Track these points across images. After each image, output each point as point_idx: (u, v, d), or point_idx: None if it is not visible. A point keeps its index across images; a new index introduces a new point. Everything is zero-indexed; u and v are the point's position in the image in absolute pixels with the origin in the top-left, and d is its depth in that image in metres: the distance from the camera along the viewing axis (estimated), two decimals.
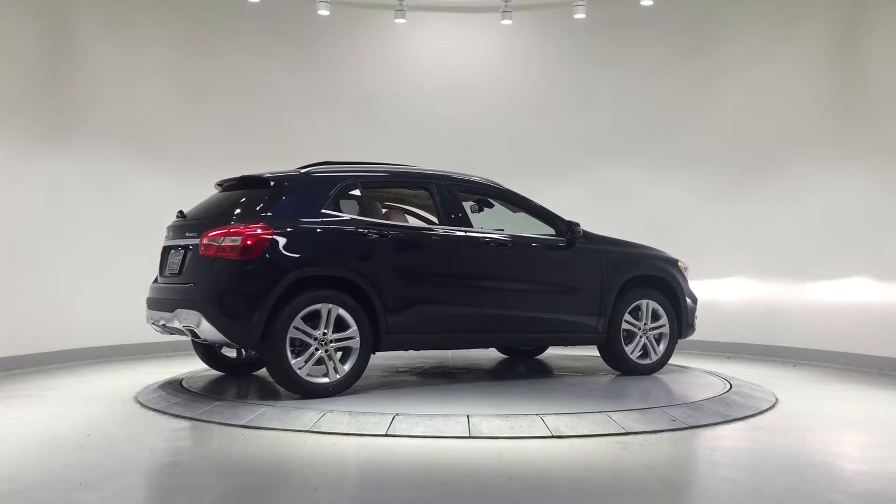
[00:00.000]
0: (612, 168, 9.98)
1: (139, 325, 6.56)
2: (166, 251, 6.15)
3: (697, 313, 7.31)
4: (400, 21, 9.84)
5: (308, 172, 6.01)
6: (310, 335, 5.50)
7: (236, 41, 9.64)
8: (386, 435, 4.72)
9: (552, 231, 6.67)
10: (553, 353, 8.33)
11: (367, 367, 5.96)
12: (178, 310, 5.64)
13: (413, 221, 7.00)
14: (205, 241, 5.55)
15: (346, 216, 5.83)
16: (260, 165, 6.57)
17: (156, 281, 6.25)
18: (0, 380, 6.94)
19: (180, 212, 6.21)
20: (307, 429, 4.82)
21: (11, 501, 3.54)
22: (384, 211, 6.76)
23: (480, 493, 3.73)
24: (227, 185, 6.24)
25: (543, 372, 7.29)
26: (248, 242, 5.41)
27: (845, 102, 8.50)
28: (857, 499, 3.69)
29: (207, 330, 5.48)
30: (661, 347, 7.00)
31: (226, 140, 9.33)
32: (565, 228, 6.60)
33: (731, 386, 6.40)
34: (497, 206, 6.75)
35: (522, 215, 6.76)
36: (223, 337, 5.52)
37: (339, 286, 5.63)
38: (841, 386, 7.12)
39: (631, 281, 6.83)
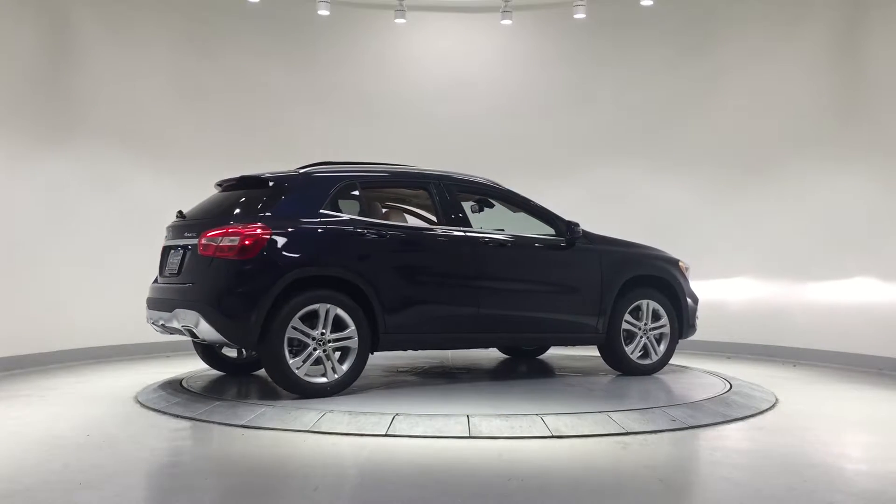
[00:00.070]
0: (612, 168, 9.98)
1: (139, 325, 6.56)
2: (166, 251, 6.16)
3: (698, 313, 7.30)
4: (400, 21, 9.84)
5: (307, 173, 6.01)
6: (308, 335, 5.50)
7: (236, 41, 9.64)
8: (386, 435, 4.72)
9: (552, 231, 6.67)
10: (554, 353, 8.33)
11: (367, 367, 5.96)
12: (177, 310, 5.65)
13: (413, 221, 7.00)
14: (203, 241, 5.56)
15: (345, 216, 5.84)
16: (260, 165, 6.57)
17: (156, 281, 6.26)
18: (0, 380, 6.94)
19: (180, 212, 6.22)
20: (307, 429, 4.82)
21: (11, 501, 3.54)
22: (384, 211, 6.76)
23: (480, 493, 3.73)
24: (226, 186, 6.24)
25: (544, 372, 7.29)
26: (246, 242, 5.41)
27: (846, 102, 8.50)
28: (857, 499, 3.69)
29: (206, 330, 5.49)
30: (662, 348, 6.99)
31: (226, 140, 9.33)
32: (565, 228, 6.60)
33: (731, 386, 6.40)
34: (497, 206, 6.75)
35: (522, 215, 6.76)
36: (221, 337, 5.52)
37: (338, 286, 5.63)
38: (841, 386, 7.12)
39: (631, 281, 6.83)
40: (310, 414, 5.03)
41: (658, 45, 9.83)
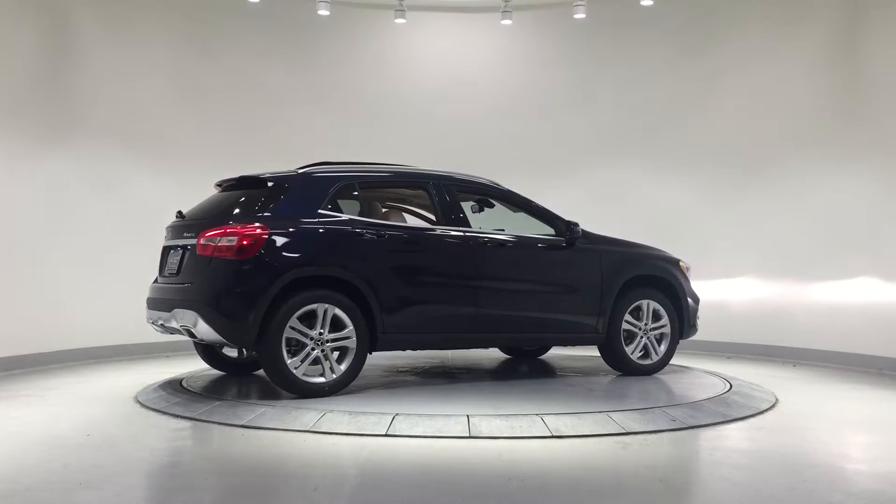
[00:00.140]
0: (612, 168, 9.98)
1: (139, 325, 6.56)
2: (166, 251, 6.17)
3: (699, 313, 7.30)
4: (400, 21, 9.84)
5: (305, 173, 6.02)
6: (306, 335, 5.50)
7: (236, 41, 9.64)
8: (386, 435, 4.72)
9: (552, 231, 6.67)
10: (555, 353, 8.33)
11: (367, 367, 5.96)
12: (176, 310, 5.66)
13: (413, 221, 7.01)
14: (202, 241, 5.57)
15: (343, 216, 5.84)
16: (260, 165, 6.57)
17: (156, 281, 6.26)
18: (0, 380, 6.94)
19: (179, 212, 6.22)
20: (307, 429, 4.82)
21: (11, 501, 3.54)
22: (384, 211, 6.76)
23: (480, 493, 3.73)
24: (225, 186, 6.25)
25: (544, 372, 7.29)
26: (244, 242, 5.42)
27: (846, 102, 8.49)
28: (857, 499, 3.69)
29: (204, 330, 5.50)
30: (662, 348, 6.99)
31: (226, 140, 9.34)
32: (565, 228, 6.59)
33: (731, 386, 6.40)
34: (497, 206, 6.75)
35: (522, 215, 6.75)
36: (219, 337, 5.53)
37: (336, 286, 5.63)
38: (841, 386, 7.12)
39: (632, 281, 6.82)
40: (310, 414, 5.03)
41: (658, 45, 9.83)
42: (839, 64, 8.61)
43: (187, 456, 4.58)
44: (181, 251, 5.87)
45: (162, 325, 5.96)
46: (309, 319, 5.52)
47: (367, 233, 5.81)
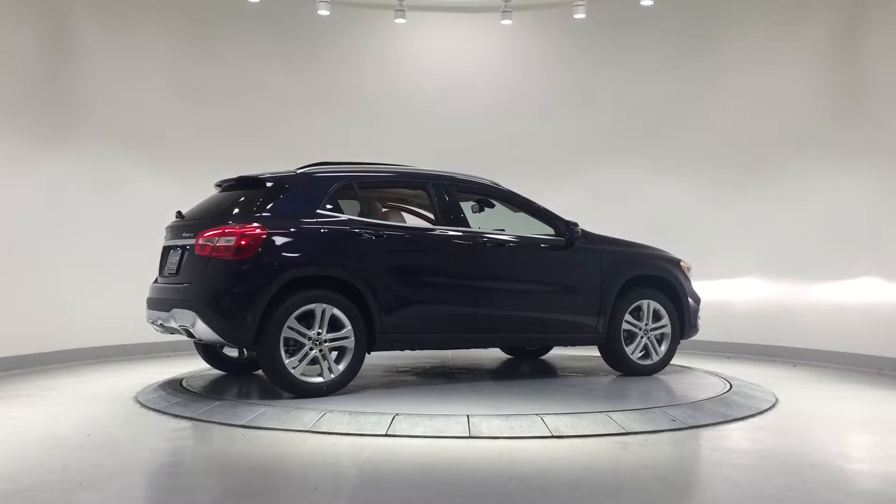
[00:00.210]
0: (612, 168, 9.97)
1: (139, 325, 6.56)
2: (166, 251, 6.18)
3: (700, 314, 7.29)
4: (400, 21, 9.84)
5: (304, 173, 6.02)
6: (304, 335, 5.51)
7: (236, 41, 9.64)
8: (386, 435, 4.72)
9: (552, 231, 6.67)
10: (556, 353, 8.32)
11: (367, 367, 5.96)
12: (174, 309, 5.67)
13: (413, 221, 7.00)
14: (200, 241, 5.58)
15: (342, 216, 5.85)
16: (260, 165, 6.57)
17: (156, 281, 6.27)
18: (0, 380, 6.94)
19: (179, 212, 6.23)
20: (307, 429, 4.82)
21: (11, 501, 3.54)
22: (384, 211, 6.76)
23: (480, 493, 3.73)
24: (225, 186, 6.25)
25: (544, 372, 7.29)
26: (243, 242, 5.42)
27: (846, 102, 8.49)
28: (857, 499, 3.70)
29: (202, 329, 5.50)
30: (663, 348, 6.98)
31: (226, 140, 9.34)
32: (564, 228, 6.59)
33: (731, 386, 6.40)
34: (497, 206, 6.75)
35: (522, 215, 6.75)
36: (217, 337, 5.54)
37: (334, 286, 5.63)
38: (841, 386, 7.12)
39: (632, 281, 6.82)
40: (310, 414, 5.03)
41: (658, 45, 9.83)
42: (839, 64, 8.61)
43: (187, 456, 4.58)
44: (180, 251, 5.87)
45: (161, 324, 5.96)
46: (307, 319, 5.53)
47: (365, 233, 5.82)
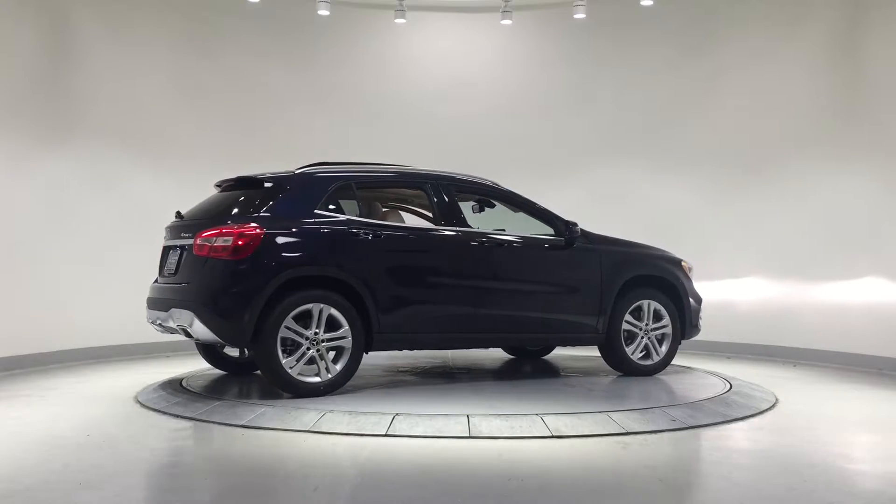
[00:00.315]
0: (612, 168, 9.97)
1: (139, 325, 6.56)
2: (165, 251, 6.19)
3: (702, 314, 7.28)
4: (400, 21, 9.84)
5: (302, 173, 6.03)
6: (301, 335, 5.51)
7: (236, 41, 9.64)
8: (386, 435, 4.72)
9: (551, 231, 6.66)
10: (558, 353, 8.31)
11: (367, 367, 5.96)
12: (173, 309, 5.68)
13: (412, 222, 7.00)
14: (198, 241, 5.59)
15: (340, 216, 5.85)
16: (260, 165, 6.57)
17: (156, 281, 6.27)
18: (0, 380, 6.94)
19: (178, 212, 6.24)
20: (307, 429, 4.82)
21: (11, 501, 3.53)
22: (384, 211, 6.77)
23: (480, 493, 3.73)
24: (224, 186, 6.26)
25: (544, 372, 7.29)
26: (240, 242, 5.43)
27: (847, 102, 8.49)
28: (857, 499, 3.70)
29: (200, 329, 5.52)
30: (664, 348, 6.96)
31: (226, 140, 9.34)
32: (564, 228, 6.59)
33: (731, 386, 6.40)
34: (497, 206, 6.75)
35: (522, 215, 6.75)
36: (215, 336, 5.55)
37: (332, 286, 5.64)
38: (841, 386, 7.11)
39: (632, 281, 6.81)
40: (310, 414, 5.03)
41: (658, 45, 9.83)
42: (839, 63, 8.61)
43: (187, 456, 4.58)
44: (179, 251, 5.88)
45: (161, 324, 5.98)
46: (305, 319, 5.53)
47: (363, 233, 5.82)
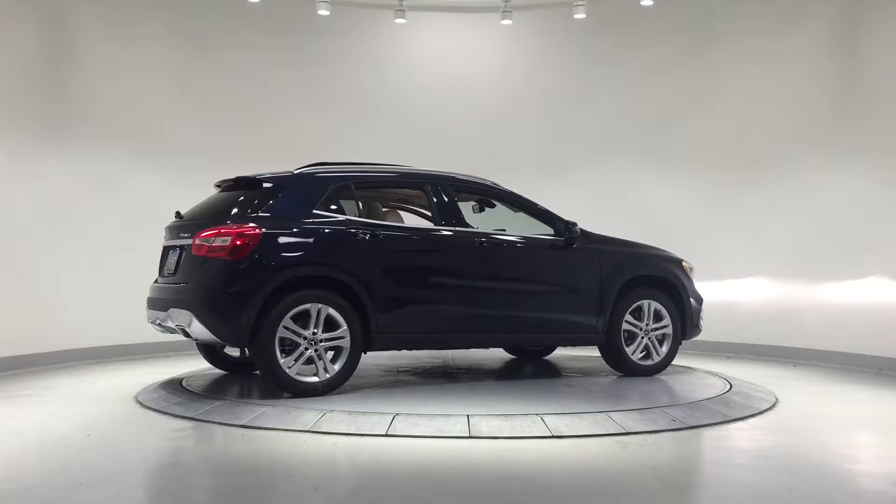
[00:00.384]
0: (612, 168, 9.97)
1: (139, 325, 6.56)
2: (165, 251, 6.19)
3: (703, 314, 7.28)
4: (400, 21, 9.84)
5: (301, 173, 6.04)
6: (299, 335, 5.52)
7: (236, 41, 9.64)
8: (386, 435, 4.72)
9: (551, 231, 6.66)
10: (559, 353, 8.30)
11: (367, 367, 5.96)
12: (171, 309, 5.70)
13: (411, 222, 7.00)
14: (197, 241, 5.60)
15: (338, 216, 5.85)
16: (260, 165, 6.57)
17: (156, 281, 6.28)
18: (0, 380, 6.94)
19: (178, 213, 6.24)
20: (307, 429, 4.82)
21: (11, 501, 3.54)
22: (384, 210, 6.77)
23: (480, 493, 3.73)
24: (224, 186, 6.27)
25: (544, 372, 7.29)
26: (238, 243, 5.44)
27: (847, 101, 8.49)
28: (857, 499, 3.69)
29: (198, 329, 5.53)
30: (664, 348, 6.95)
31: (226, 140, 9.34)
32: (563, 228, 6.59)
33: (731, 386, 6.40)
34: (497, 206, 6.75)
35: (522, 215, 6.74)
36: (213, 336, 5.56)
37: (330, 286, 5.64)
38: (841, 386, 7.11)
39: (633, 281, 6.80)
40: (310, 414, 5.03)
41: (658, 44, 9.83)
42: (840, 62, 8.60)
43: (187, 456, 4.58)
44: (179, 251, 5.90)
45: (160, 324, 5.99)
46: (303, 319, 5.54)
47: (361, 233, 5.82)
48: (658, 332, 6.94)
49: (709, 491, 4.02)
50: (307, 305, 5.53)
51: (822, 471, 4.21)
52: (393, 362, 7.48)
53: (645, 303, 6.86)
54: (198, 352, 6.87)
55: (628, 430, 4.89)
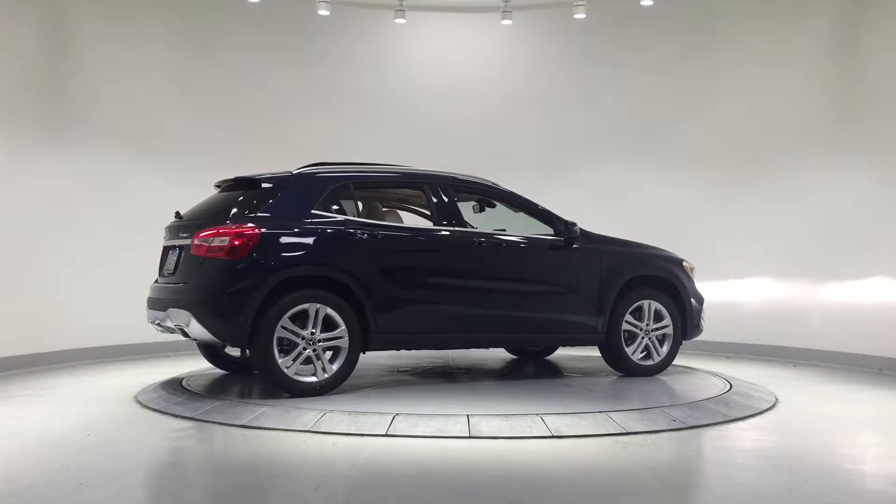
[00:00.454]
0: (612, 168, 9.97)
1: (139, 325, 6.56)
2: (165, 251, 6.20)
3: (704, 314, 7.27)
4: (400, 21, 9.84)
5: (300, 173, 6.04)
6: (297, 335, 5.52)
7: (236, 41, 9.64)
8: (386, 435, 4.72)
9: (551, 231, 6.66)
10: (560, 353, 8.30)
11: (368, 367, 5.95)
12: (170, 309, 5.71)
13: (412, 222, 7.00)
14: (196, 241, 5.61)
15: (337, 217, 5.86)
16: (260, 165, 6.57)
17: (156, 281, 6.28)
18: (0, 380, 6.94)
19: (177, 213, 6.25)
20: (307, 429, 4.82)
21: (11, 501, 3.54)
22: (384, 211, 6.76)
23: (480, 493, 3.73)
24: (223, 187, 6.27)
25: (544, 372, 7.29)
26: (236, 243, 5.44)
27: (847, 100, 8.49)
28: (857, 499, 3.69)
29: (196, 329, 5.54)
30: (665, 349, 6.94)
31: (226, 140, 9.34)
32: (563, 228, 6.58)
33: (731, 386, 6.40)
34: (497, 206, 6.74)
35: (522, 215, 6.74)
36: (211, 336, 5.57)
37: (329, 286, 5.64)
38: (841, 386, 7.11)
39: (633, 281, 6.80)
40: (310, 414, 5.03)
41: (658, 44, 9.83)
42: (840, 62, 8.60)
43: (187, 456, 4.58)
44: (178, 251, 5.91)
45: (159, 324, 6.00)
46: (301, 319, 5.55)
47: (359, 233, 5.82)
48: (658, 333, 6.93)
49: (709, 491, 4.02)
50: (305, 305, 5.53)
51: (822, 471, 4.21)
52: (393, 362, 7.48)
53: (645, 303, 6.86)
54: (198, 352, 6.87)
55: (628, 430, 4.89)
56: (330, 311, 5.59)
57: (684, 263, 7.20)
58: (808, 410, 5.94)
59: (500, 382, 6.74)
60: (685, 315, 7.02)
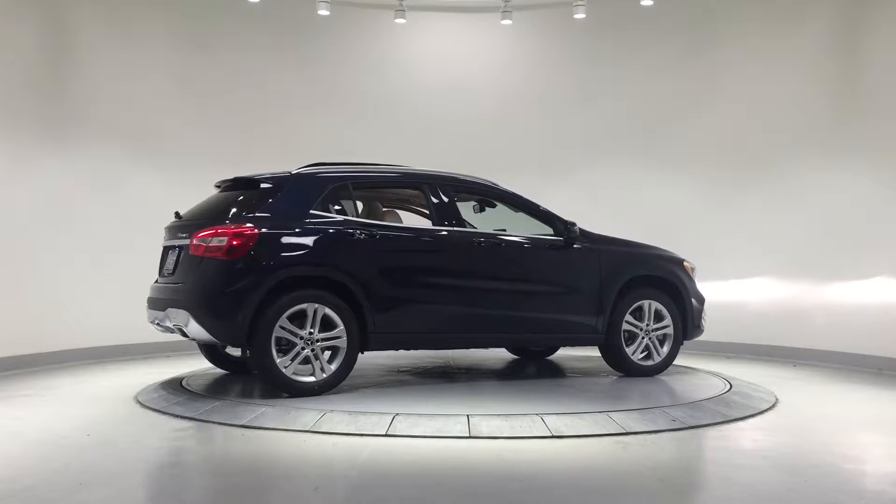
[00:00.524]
0: (612, 168, 9.97)
1: (139, 325, 6.57)
2: (165, 252, 6.21)
3: (705, 314, 7.26)
4: (400, 21, 9.84)
5: (298, 173, 6.05)
6: (296, 334, 5.52)
7: (236, 41, 9.64)
8: (386, 435, 4.72)
9: (551, 231, 6.65)
10: (562, 354, 8.29)
11: (368, 367, 5.95)
12: (169, 309, 5.72)
13: (411, 222, 7.00)
14: (194, 241, 5.61)
15: (336, 217, 5.86)
16: (260, 165, 6.58)
17: (156, 281, 6.29)
18: (0, 380, 6.94)
19: (177, 213, 6.26)
20: (307, 429, 4.82)
21: (11, 501, 3.54)
22: (383, 211, 6.76)
23: (480, 493, 3.73)
24: (223, 187, 6.27)
25: (544, 372, 7.29)
26: (234, 243, 5.45)
27: (847, 100, 8.49)
28: (857, 499, 3.69)
29: (195, 329, 5.55)
30: (665, 349, 6.94)
31: (226, 140, 9.34)
32: (563, 228, 6.58)
33: (731, 386, 6.40)
34: (497, 206, 6.74)
35: (522, 215, 6.74)
36: (210, 336, 5.57)
37: (327, 286, 5.65)
38: (841, 386, 7.11)
39: (633, 281, 6.79)
40: (310, 414, 5.03)
41: (658, 44, 9.83)
42: (840, 62, 8.60)
43: (187, 456, 4.58)
44: (177, 251, 5.92)
45: (159, 324, 6.01)
46: (300, 319, 5.55)
47: (357, 233, 5.83)
48: (659, 333, 6.93)
49: (709, 491, 4.02)
50: (304, 305, 5.54)
51: (822, 471, 4.21)
52: (393, 362, 7.48)
53: (645, 303, 6.85)
54: (198, 352, 6.88)
55: (628, 430, 4.89)
56: (328, 311, 5.60)
57: (685, 263, 7.19)
58: (808, 410, 5.94)
59: (500, 382, 6.74)
60: (686, 315, 7.01)
